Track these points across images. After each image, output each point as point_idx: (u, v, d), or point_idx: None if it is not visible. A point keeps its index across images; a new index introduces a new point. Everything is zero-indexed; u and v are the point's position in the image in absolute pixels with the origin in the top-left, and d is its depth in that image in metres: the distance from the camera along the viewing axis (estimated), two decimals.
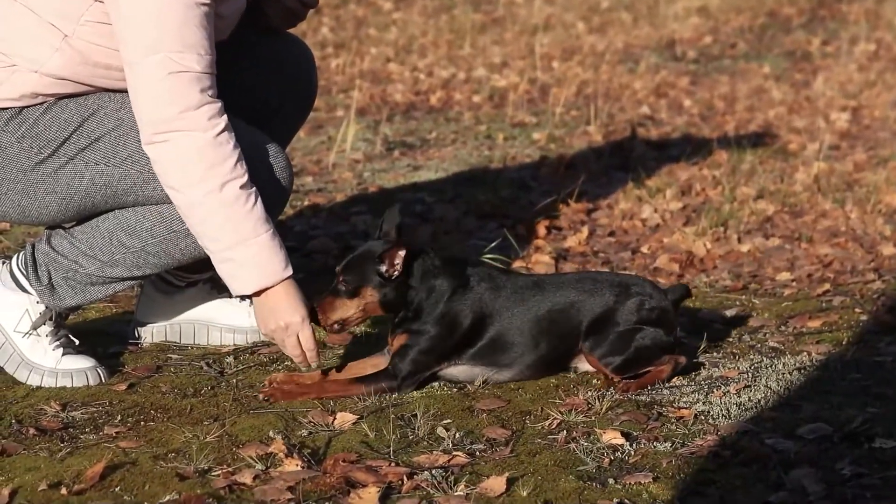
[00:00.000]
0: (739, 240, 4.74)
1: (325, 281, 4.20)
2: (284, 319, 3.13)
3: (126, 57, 3.02)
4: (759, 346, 3.59)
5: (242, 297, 3.29)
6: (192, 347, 3.60)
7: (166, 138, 3.01)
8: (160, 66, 2.97)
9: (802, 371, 3.32)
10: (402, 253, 3.14)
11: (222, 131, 3.03)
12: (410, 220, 4.97)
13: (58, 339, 3.31)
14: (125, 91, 3.12)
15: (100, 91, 3.19)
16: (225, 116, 3.04)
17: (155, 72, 2.98)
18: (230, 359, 3.48)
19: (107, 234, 3.23)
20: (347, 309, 3.18)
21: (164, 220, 3.20)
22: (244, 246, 3.07)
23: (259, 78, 3.51)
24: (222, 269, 3.12)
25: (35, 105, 3.17)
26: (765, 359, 3.45)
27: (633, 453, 2.81)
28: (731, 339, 3.66)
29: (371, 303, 3.19)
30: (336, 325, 3.20)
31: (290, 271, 3.14)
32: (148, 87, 3.00)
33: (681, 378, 3.30)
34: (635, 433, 2.93)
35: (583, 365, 3.32)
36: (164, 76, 2.98)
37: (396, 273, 3.16)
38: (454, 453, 2.81)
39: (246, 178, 3.06)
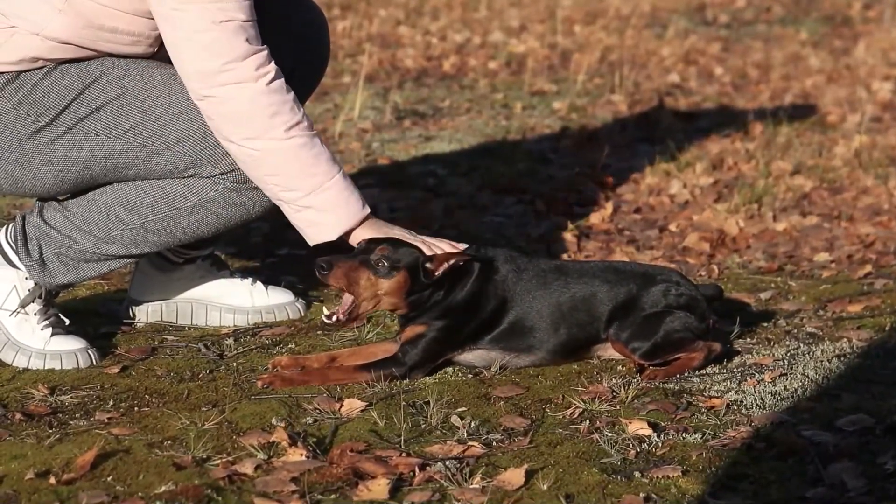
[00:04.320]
0: (774, 218, 4.73)
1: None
2: None
3: (160, 10, 3.02)
4: (795, 331, 3.58)
5: (316, 248, 3.21)
6: (189, 328, 3.60)
7: (214, 93, 3.03)
8: (202, 15, 2.98)
9: (842, 358, 3.32)
10: (452, 263, 3.15)
11: (273, 79, 3.05)
12: (422, 194, 4.96)
13: (47, 319, 3.31)
14: (131, 56, 3.11)
15: (104, 56, 3.19)
16: (272, 63, 3.07)
17: (197, 22, 2.99)
18: (230, 341, 3.48)
19: (104, 208, 3.23)
20: (370, 287, 3.13)
21: (167, 196, 3.20)
22: (321, 190, 3.10)
23: (270, 41, 3.49)
24: (300, 219, 3.14)
25: (34, 70, 3.16)
26: (802, 345, 3.44)
27: (660, 445, 2.81)
28: (765, 325, 3.65)
29: (396, 292, 3.13)
30: (348, 305, 3.13)
31: (368, 209, 3.16)
32: (190, 38, 3.01)
33: (712, 365, 3.29)
34: (663, 423, 2.92)
35: (607, 353, 3.32)
36: (208, 26, 2.99)
37: (436, 278, 3.14)
38: (469, 443, 2.80)
39: (307, 119, 3.09)
